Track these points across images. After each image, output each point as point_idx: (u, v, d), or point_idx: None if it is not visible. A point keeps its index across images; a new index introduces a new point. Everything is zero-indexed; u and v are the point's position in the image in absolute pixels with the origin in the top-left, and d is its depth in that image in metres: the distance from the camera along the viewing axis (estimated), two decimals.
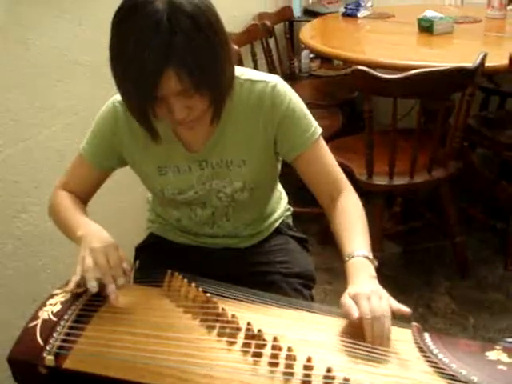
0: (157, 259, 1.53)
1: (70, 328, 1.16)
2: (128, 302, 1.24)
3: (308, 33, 3.09)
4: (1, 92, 1.80)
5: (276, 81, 1.36)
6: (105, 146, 1.41)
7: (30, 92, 1.91)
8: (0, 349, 1.29)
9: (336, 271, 2.64)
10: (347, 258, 1.23)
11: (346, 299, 1.12)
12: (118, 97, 1.38)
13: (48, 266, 2.07)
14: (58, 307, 1.23)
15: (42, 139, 1.99)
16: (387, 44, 2.85)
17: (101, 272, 1.19)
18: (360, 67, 2.08)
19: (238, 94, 1.32)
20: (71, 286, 1.23)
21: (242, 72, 1.35)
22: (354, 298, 1.11)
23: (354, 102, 3.37)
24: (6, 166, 1.85)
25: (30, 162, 1.95)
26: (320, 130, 1.39)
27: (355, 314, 1.08)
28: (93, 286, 1.19)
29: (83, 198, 1.47)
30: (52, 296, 1.28)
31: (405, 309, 1.12)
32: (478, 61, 2.08)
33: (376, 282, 1.17)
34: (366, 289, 1.13)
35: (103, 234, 1.27)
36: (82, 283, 1.22)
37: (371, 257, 1.23)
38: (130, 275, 1.27)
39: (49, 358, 1.10)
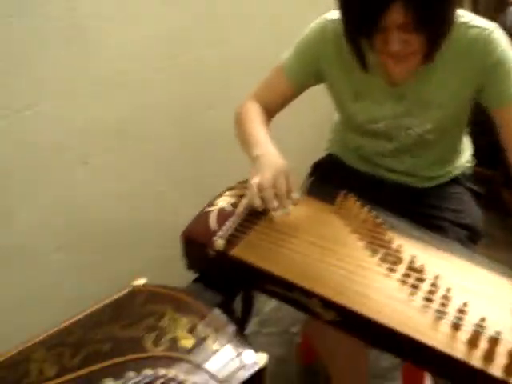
0: (331, 179, 1.57)
1: (244, 220, 1.24)
2: (299, 211, 1.29)
3: None
4: None
5: (493, 28, 1.31)
6: (307, 63, 1.45)
7: None
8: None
9: (495, 238, 2.55)
10: None
11: None
12: (329, 15, 1.40)
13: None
14: (235, 199, 1.32)
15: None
16: None
17: (269, 200, 1.21)
18: None
19: (453, 37, 1.30)
20: (240, 209, 1.28)
21: (461, 14, 1.32)
22: None
23: None
24: (202, 64, 1.95)
25: (223, 62, 2.04)
26: None
27: None
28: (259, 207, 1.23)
29: (271, 112, 1.52)
30: (230, 189, 1.37)
31: None
32: None
33: None
34: None
35: (278, 159, 1.28)
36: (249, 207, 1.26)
37: None
38: (297, 203, 1.29)
39: (219, 242, 1.19)
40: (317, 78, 1.47)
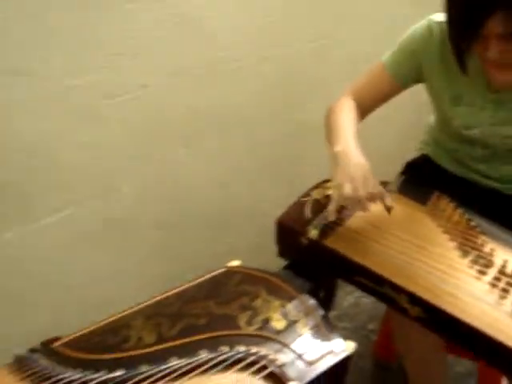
0: (424, 179, 1.57)
1: (338, 212, 1.27)
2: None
3: None
4: None
5: None
6: (410, 62, 1.45)
7: None
8: None
9: None
10: None
11: None
12: (436, 17, 1.40)
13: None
14: (330, 192, 1.35)
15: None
16: None
17: (354, 202, 1.20)
18: None
19: None
20: (331, 216, 1.24)
21: None
22: None
23: None
24: (304, 58, 1.98)
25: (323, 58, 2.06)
26: None
27: None
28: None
29: (366, 109, 1.52)
30: (326, 181, 1.41)
31: None
32: None
33: None
34: None
35: (359, 158, 1.25)
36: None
37: None
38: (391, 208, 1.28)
39: (313, 232, 1.23)
40: (418, 77, 1.47)
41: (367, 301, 2.22)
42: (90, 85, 1.49)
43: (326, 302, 1.39)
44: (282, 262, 1.32)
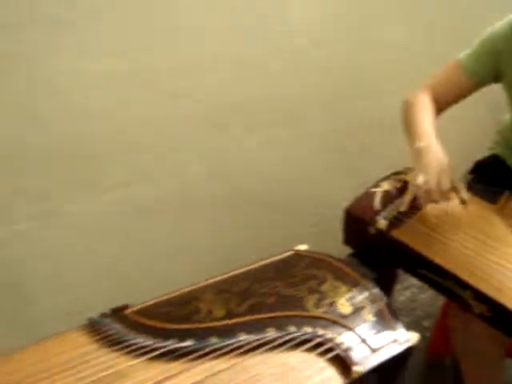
0: (493, 179, 1.56)
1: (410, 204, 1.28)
2: (460, 206, 1.31)
3: None
4: None
5: None
6: (489, 62, 1.44)
7: None
8: None
9: None
10: None
11: None
12: None
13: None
14: (400, 184, 1.36)
15: None
16: None
17: (431, 197, 1.23)
18: None
19: None
20: (404, 207, 1.29)
21: None
22: None
23: None
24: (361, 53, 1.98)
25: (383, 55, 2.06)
26: None
27: None
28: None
29: (441, 106, 1.51)
30: (396, 173, 1.41)
31: None
32: None
33: None
34: None
35: (441, 155, 1.29)
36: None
37: None
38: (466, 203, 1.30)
39: (382, 222, 1.24)
40: (495, 76, 1.46)
41: (424, 297, 2.21)
42: (165, 63, 1.53)
43: (385, 293, 1.39)
44: (339, 251, 1.32)
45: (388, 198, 1.31)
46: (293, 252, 1.19)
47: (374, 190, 1.35)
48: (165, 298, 1.08)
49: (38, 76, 1.35)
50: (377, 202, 1.30)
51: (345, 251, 1.34)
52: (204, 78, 1.61)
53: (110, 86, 1.46)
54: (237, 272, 1.15)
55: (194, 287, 1.10)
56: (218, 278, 1.12)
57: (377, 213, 1.27)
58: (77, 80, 1.40)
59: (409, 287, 2.24)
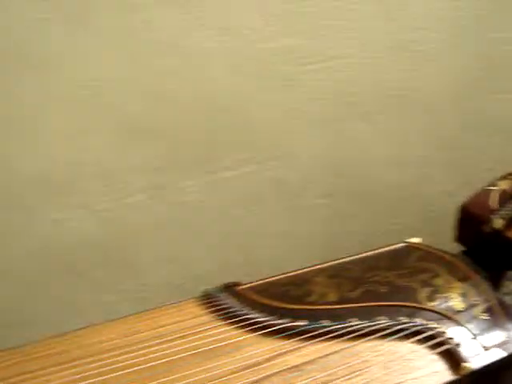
0: None
1: None
2: None
3: None
4: None
5: None
6: None
7: None
8: None
9: None
10: None
11: None
12: None
13: None
14: None
15: None
16: None
17: None
18: None
19: None
20: None
21: None
22: None
23: None
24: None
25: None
26: None
27: None
28: None
29: None
30: None
31: None
32: None
33: None
34: None
35: None
36: None
37: None
38: None
39: (498, 221, 1.22)
40: None
41: None
42: (286, 49, 1.55)
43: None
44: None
45: (505, 198, 1.28)
46: (405, 244, 1.19)
47: (490, 188, 1.32)
48: (275, 278, 1.11)
49: None
50: (493, 201, 1.28)
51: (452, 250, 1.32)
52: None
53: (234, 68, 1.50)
54: (346, 259, 1.16)
55: (304, 270, 1.12)
56: (329, 263, 1.14)
57: (493, 211, 1.25)
58: None
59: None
